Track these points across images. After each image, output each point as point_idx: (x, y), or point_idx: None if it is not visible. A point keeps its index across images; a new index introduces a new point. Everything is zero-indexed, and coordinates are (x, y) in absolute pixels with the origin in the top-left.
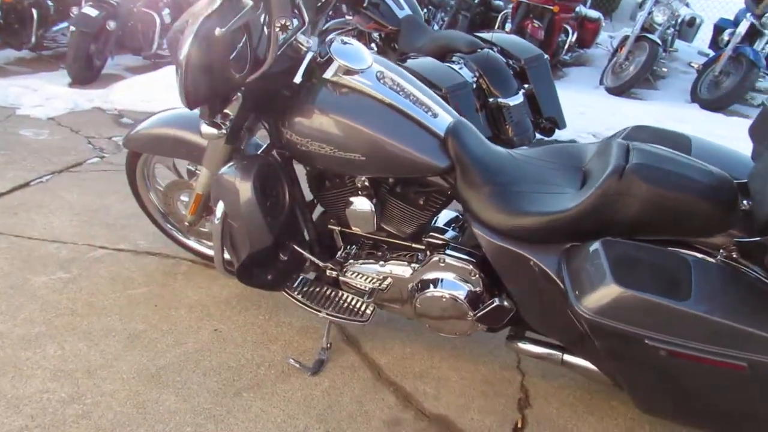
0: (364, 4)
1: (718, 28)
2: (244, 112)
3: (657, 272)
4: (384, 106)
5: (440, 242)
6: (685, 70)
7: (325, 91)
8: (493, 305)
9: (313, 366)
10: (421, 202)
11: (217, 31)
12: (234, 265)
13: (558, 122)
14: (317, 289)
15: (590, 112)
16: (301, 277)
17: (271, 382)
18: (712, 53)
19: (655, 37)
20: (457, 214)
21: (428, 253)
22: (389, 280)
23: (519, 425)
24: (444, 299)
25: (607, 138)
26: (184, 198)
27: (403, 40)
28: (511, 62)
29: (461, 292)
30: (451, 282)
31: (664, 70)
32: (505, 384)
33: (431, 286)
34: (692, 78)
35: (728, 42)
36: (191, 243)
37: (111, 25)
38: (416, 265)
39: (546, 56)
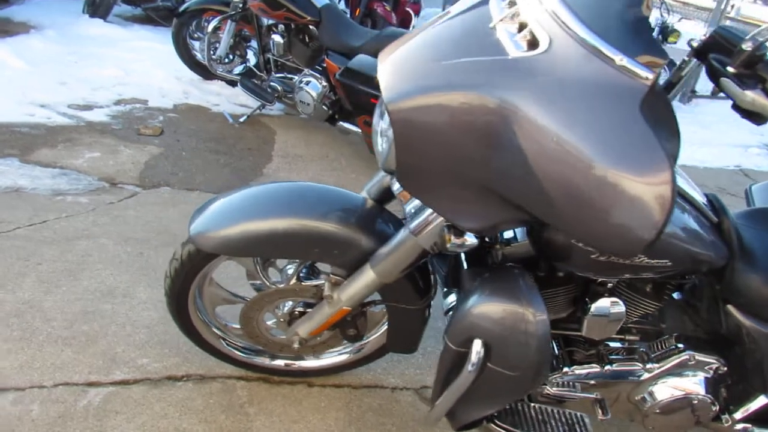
0: None
1: None
2: None
3: None
4: (678, 195)
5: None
6: None
7: None
8: (765, 403)
9: None
10: (649, 290)
11: None
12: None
13: None
14: (518, 408)
15: None
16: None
17: None
18: None
19: None
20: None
21: (658, 347)
22: (616, 385)
23: None
24: (696, 401)
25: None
26: (285, 307)
27: (327, 34)
28: None
29: (709, 390)
30: (699, 380)
31: None
32: None
33: (673, 386)
34: None
35: None
36: (271, 362)
37: None
38: (653, 365)
39: None
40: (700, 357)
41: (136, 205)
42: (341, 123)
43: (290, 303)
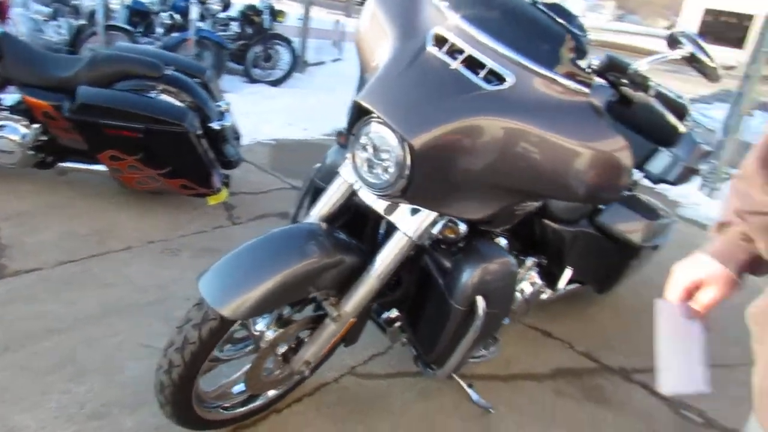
0: None
1: (132, 10)
2: None
3: None
4: None
5: None
6: None
7: None
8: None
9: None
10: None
11: None
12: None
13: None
14: None
15: None
16: None
17: None
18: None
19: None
20: None
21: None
22: None
23: None
24: (539, 288)
25: None
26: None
27: (16, 68)
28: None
29: (542, 278)
30: (536, 273)
31: None
32: None
33: (530, 282)
34: None
35: (171, 26)
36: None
37: None
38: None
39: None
40: (539, 260)
41: None
42: (63, 164)
43: (285, 343)
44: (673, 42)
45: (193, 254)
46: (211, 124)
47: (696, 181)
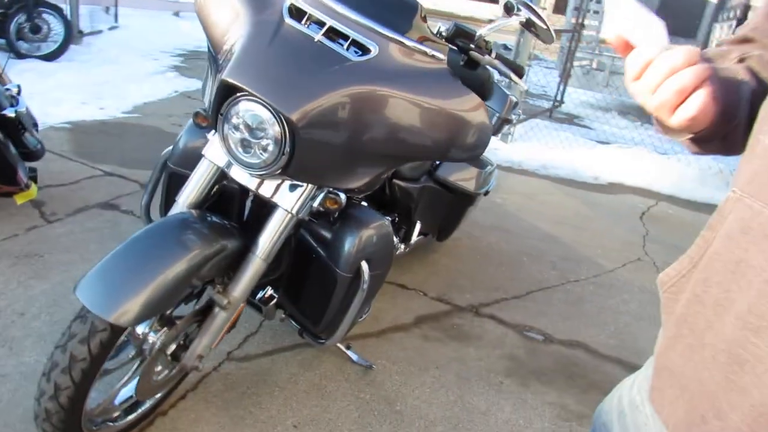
0: None
1: None
2: None
3: None
4: None
5: None
6: None
7: None
8: (419, 228)
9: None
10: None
11: None
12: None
13: None
14: None
15: None
16: None
17: None
18: None
19: None
20: None
21: None
22: None
23: None
24: (395, 245)
25: None
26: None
27: None
28: None
29: (397, 235)
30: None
31: None
32: None
33: None
34: None
35: None
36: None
37: None
38: None
39: None
40: (392, 217)
41: None
42: None
43: (173, 342)
44: (509, 9)
45: (12, 262)
46: (3, 112)
47: None
